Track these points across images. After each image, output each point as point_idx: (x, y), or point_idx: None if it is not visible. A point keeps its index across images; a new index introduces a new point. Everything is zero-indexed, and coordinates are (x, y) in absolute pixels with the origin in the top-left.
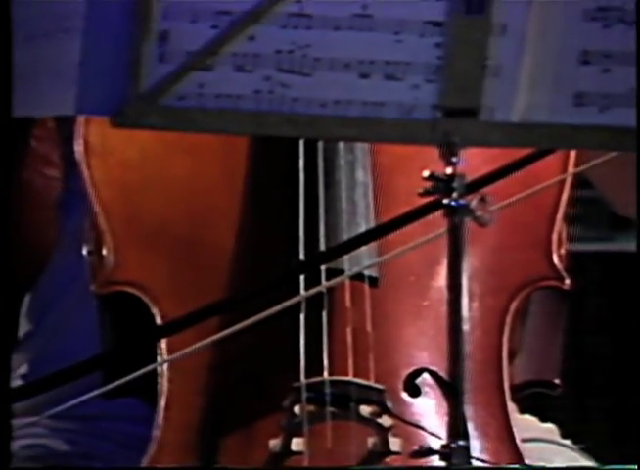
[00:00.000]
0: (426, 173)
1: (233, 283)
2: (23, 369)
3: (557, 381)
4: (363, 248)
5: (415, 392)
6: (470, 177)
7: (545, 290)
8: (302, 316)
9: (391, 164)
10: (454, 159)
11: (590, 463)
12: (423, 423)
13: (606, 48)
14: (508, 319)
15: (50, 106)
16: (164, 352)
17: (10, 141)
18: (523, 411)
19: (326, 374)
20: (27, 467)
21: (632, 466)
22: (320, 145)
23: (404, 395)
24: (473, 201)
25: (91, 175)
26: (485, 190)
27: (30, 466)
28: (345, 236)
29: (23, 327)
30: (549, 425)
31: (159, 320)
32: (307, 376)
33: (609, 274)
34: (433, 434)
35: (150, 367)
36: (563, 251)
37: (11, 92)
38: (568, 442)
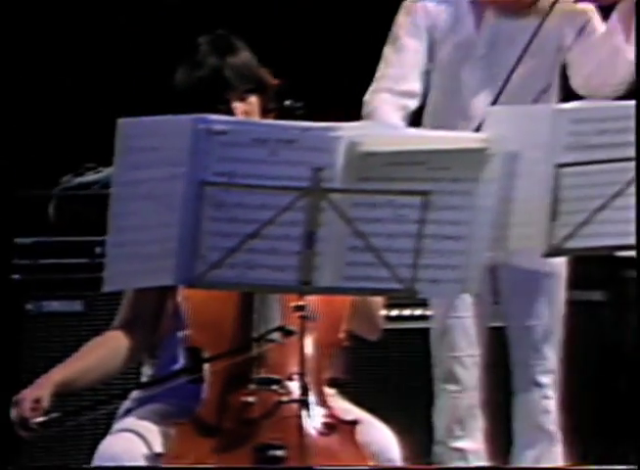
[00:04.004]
0: (293, 303)
1: (233, 343)
2: (150, 372)
3: (343, 376)
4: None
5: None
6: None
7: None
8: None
9: (285, 303)
10: (304, 298)
11: (351, 405)
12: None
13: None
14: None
15: (157, 279)
16: (208, 367)
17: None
18: (329, 386)
19: (263, 374)
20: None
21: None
22: (261, 295)
23: (287, 382)
24: (308, 312)
25: (184, 307)
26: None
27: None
28: (270, 327)
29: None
30: (332, 390)
31: (206, 355)
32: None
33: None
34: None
35: (199, 373)
36: (344, 331)
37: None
38: (341, 399)
